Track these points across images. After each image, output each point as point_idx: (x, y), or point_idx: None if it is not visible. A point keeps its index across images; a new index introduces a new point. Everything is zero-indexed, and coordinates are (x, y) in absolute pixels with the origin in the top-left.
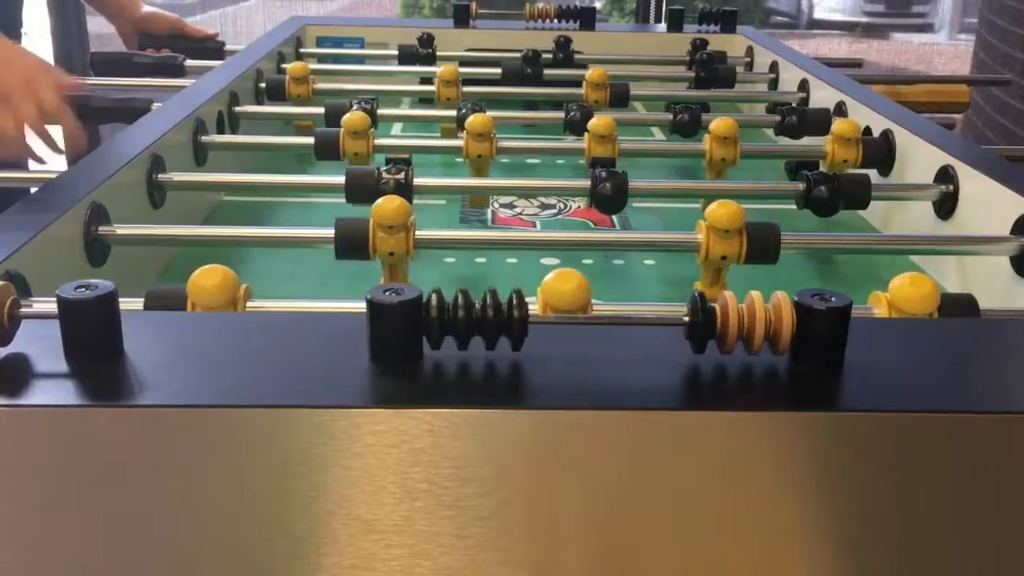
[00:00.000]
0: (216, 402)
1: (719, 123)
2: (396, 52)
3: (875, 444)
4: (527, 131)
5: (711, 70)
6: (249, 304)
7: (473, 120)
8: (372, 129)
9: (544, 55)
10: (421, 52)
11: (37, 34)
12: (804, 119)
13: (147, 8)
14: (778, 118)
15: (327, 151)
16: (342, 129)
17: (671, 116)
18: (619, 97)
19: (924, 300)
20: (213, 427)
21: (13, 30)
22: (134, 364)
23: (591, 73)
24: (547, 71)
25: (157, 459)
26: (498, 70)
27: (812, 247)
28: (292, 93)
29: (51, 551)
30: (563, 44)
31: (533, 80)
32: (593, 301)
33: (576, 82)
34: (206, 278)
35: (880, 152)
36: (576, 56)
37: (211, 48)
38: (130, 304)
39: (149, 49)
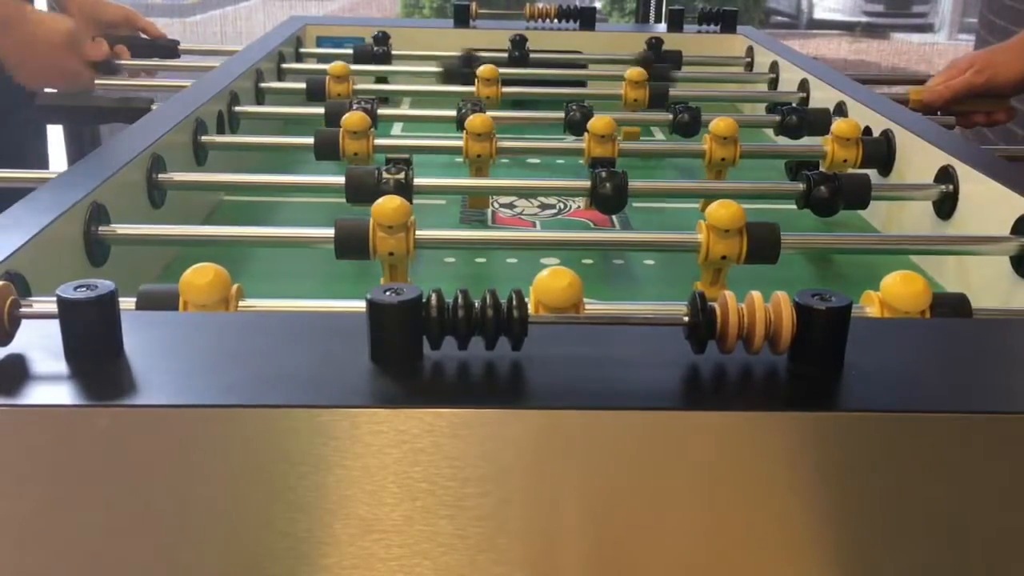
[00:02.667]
0: (216, 402)
1: (719, 123)
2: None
3: (875, 444)
4: (527, 131)
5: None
6: (241, 303)
7: (473, 120)
8: (372, 129)
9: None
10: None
11: None
12: (804, 119)
13: None
14: (778, 118)
15: (327, 151)
16: (342, 129)
17: (671, 116)
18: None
19: (915, 298)
20: (213, 427)
21: None
22: (134, 364)
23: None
24: (535, 71)
25: (157, 459)
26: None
27: (812, 247)
28: (332, 92)
29: (51, 551)
30: (518, 42)
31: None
32: (586, 300)
33: (579, 82)
34: (198, 276)
35: (880, 151)
36: (576, 56)
37: (164, 46)
38: (130, 304)
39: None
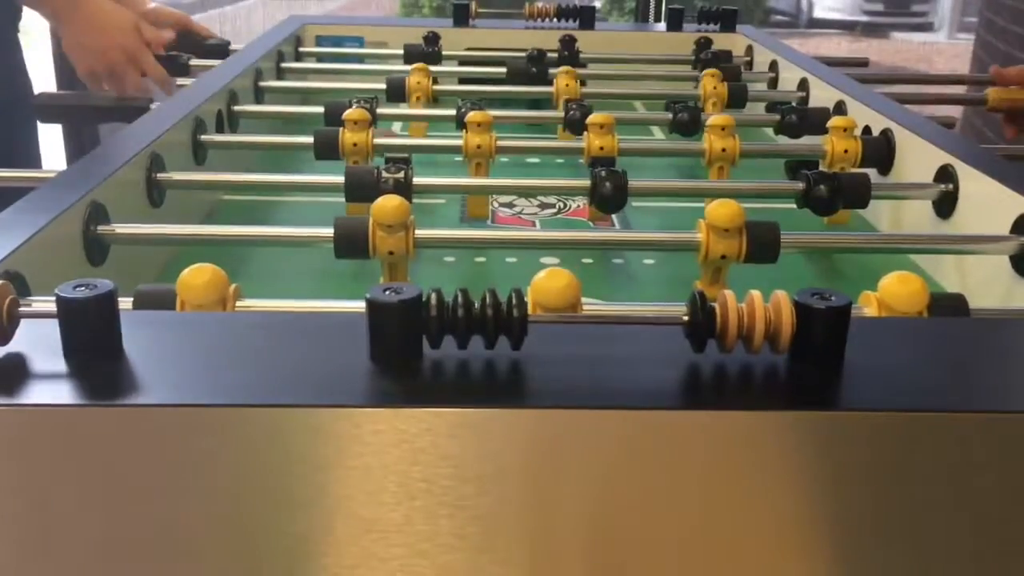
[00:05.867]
0: (216, 402)
1: (716, 117)
2: (400, 52)
3: (875, 443)
4: (527, 130)
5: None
6: (239, 303)
7: (472, 114)
8: (371, 127)
9: (549, 54)
10: (427, 50)
11: (37, 33)
12: (804, 117)
13: (152, 4)
14: (777, 117)
15: (327, 151)
16: (343, 128)
17: (671, 115)
18: None
19: (913, 298)
20: (213, 427)
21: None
22: (134, 363)
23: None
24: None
25: (157, 459)
26: (499, 69)
27: (812, 246)
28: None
29: (50, 551)
30: (567, 43)
31: (538, 79)
32: (585, 299)
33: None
34: (195, 276)
35: (879, 150)
36: (582, 56)
37: (216, 47)
38: (128, 303)
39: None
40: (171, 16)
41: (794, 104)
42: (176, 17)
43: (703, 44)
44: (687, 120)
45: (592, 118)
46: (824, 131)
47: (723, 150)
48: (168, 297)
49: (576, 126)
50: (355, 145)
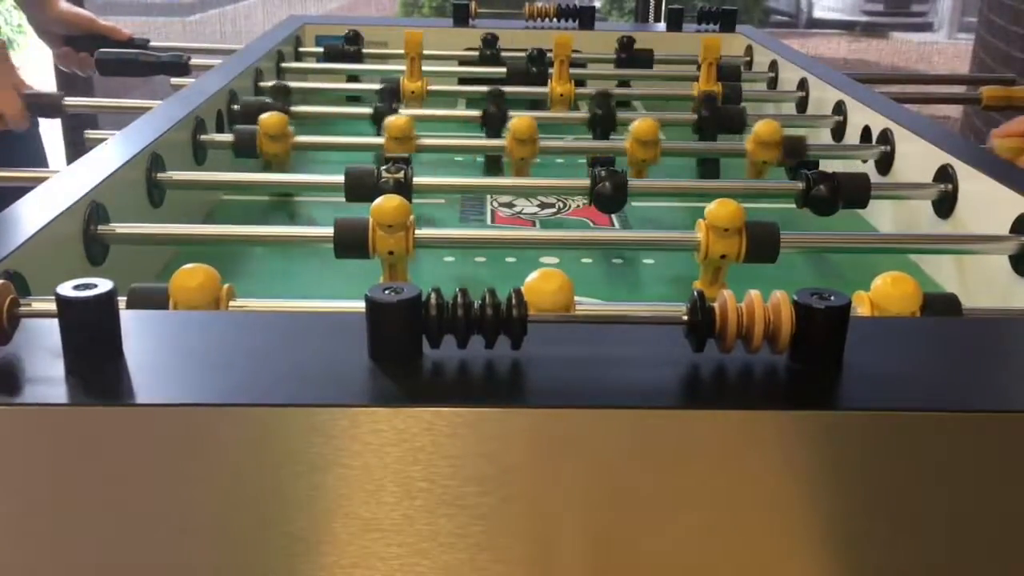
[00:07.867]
0: (216, 401)
1: (640, 124)
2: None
3: (874, 443)
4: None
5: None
6: (232, 303)
7: (517, 123)
8: (290, 128)
9: (549, 54)
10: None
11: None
12: (716, 116)
13: (64, 4)
14: (695, 116)
15: (246, 150)
16: (260, 131)
17: (588, 114)
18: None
19: (905, 300)
20: (212, 426)
21: None
22: (133, 363)
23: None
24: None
25: (156, 458)
26: (499, 69)
27: (811, 246)
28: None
29: (50, 551)
30: (626, 44)
31: (538, 79)
32: (586, 299)
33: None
34: (188, 279)
35: (800, 151)
36: (576, 56)
37: (175, 64)
38: (123, 303)
39: (66, 48)
40: (79, 17)
41: (710, 101)
42: (82, 19)
43: (625, 43)
44: (601, 116)
45: (515, 127)
46: (740, 130)
47: (643, 160)
48: (161, 296)
49: (492, 123)
50: (276, 155)
